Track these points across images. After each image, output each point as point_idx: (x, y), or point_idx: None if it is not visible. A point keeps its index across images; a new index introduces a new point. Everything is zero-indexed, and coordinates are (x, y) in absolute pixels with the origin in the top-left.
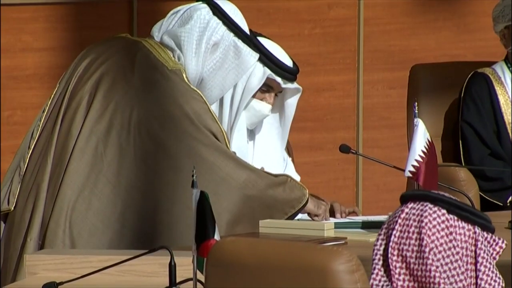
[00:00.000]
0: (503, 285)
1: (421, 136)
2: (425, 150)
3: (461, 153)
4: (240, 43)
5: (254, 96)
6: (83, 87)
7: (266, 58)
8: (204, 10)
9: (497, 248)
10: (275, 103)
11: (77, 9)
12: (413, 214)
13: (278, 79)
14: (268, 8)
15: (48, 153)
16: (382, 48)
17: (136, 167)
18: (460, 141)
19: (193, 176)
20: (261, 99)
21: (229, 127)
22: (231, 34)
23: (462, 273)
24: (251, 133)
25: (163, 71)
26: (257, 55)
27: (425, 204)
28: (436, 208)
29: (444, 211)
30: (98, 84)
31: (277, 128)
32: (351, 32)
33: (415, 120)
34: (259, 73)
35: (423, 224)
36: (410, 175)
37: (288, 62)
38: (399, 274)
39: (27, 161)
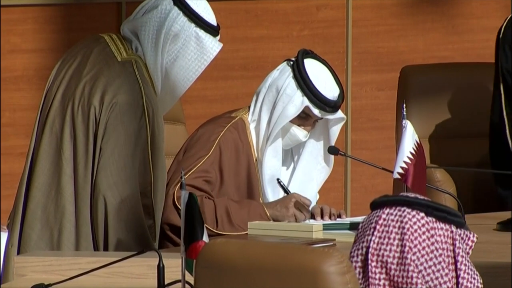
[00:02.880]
0: (481, 281)
1: (410, 138)
2: (413, 152)
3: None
4: (202, 33)
5: (292, 121)
6: (51, 89)
7: (307, 88)
8: (166, 1)
9: (470, 243)
10: (318, 128)
11: (66, 10)
12: (392, 220)
13: (316, 111)
14: (256, 10)
15: (27, 158)
16: (371, 49)
17: (84, 161)
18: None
19: (181, 178)
20: (299, 125)
21: (264, 144)
22: (192, 25)
23: (446, 274)
24: (291, 156)
25: (111, 63)
26: (220, 45)
27: (402, 209)
28: (414, 212)
29: (422, 214)
30: (59, 84)
31: (321, 156)
32: (339, 34)
33: (404, 121)
34: (298, 102)
35: (405, 230)
36: (399, 176)
37: (331, 93)
38: (379, 279)
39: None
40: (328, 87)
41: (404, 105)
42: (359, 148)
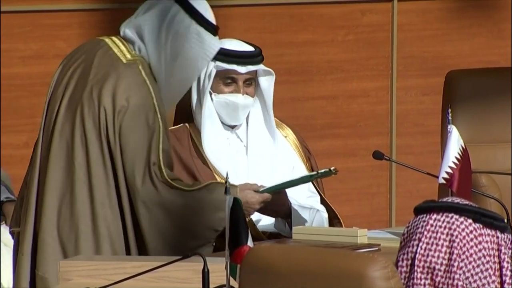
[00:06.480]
0: None
1: (455, 143)
2: (458, 157)
3: None
4: (202, 31)
5: (222, 92)
6: (55, 95)
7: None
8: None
9: (511, 246)
10: (256, 94)
11: (111, 15)
12: (440, 227)
13: (232, 67)
14: (302, 14)
15: (34, 166)
16: (416, 54)
17: (100, 164)
18: None
19: (226, 182)
20: (231, 92)
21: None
22: (193, 22)
23: (493, 281)
24: (244, 136)
25: (117, 65)
26: (220, 43)
27: (450, 215)
28: (462, 219)
29: (470, 220)
30: (65, 90)
31: (265, 122)
32: (384, 38)
33: (449, 126)
34: (208, 68)
35: (453, 237)
36: (444, 181)
37: (234, 45)
38: (424, 285)
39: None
40: (233, 44)
41: (450, 110)
42: (404, 153)
